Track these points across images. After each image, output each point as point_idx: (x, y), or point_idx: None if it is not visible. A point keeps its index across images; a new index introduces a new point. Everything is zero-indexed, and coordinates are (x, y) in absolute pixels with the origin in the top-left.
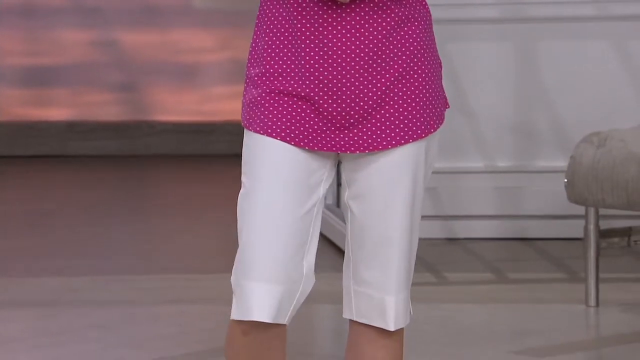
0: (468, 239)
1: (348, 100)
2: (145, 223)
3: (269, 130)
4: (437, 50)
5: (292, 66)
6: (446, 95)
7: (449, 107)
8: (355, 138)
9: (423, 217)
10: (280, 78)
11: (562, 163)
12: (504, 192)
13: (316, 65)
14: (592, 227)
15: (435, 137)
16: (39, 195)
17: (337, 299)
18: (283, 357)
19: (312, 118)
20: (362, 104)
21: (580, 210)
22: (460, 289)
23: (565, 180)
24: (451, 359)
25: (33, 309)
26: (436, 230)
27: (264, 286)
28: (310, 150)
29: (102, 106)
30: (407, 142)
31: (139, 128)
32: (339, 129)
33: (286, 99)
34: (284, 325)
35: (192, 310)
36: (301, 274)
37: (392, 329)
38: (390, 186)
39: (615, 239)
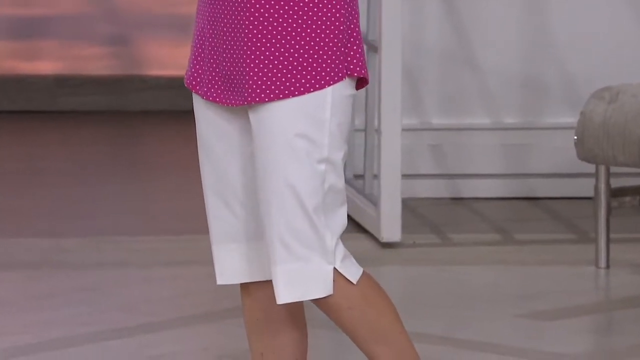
0: (473, 199)
1: (223, 55)
2: (138, 182)
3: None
4: (332, 7)
5: (200, 22)
6: (353, 59)
7: (355, 74)
8: (227, 92)
9: (427, 175)
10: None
11: (571, 119)
12: (510, 150)
13: (205, 22)
14: (602, 185)
15: (309, 102)
16: (27, 153)
17: None
18: (293, 322)
19: (204, 69)
20: (231, 58)
21: (590, 168)
22: (465, 250)
23: (575, 137)
24: (455, 323)
25: (21, 271)
26: (440, 189)
27: (222, 248)
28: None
29: (92, 60)
30: (263, 100)
31: (131, 83)
32: (221, 80)
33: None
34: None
35: (187, 273)
36: (259, 225)
37: (278, 302)
38: (258, 145)
39: (627, 198)
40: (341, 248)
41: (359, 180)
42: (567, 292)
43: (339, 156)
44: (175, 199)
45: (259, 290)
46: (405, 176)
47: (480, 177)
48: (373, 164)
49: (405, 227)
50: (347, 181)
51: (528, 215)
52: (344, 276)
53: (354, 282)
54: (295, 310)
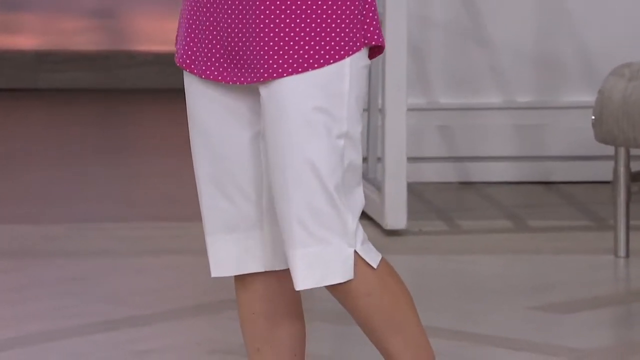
0: (484, 183)
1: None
2: (126, 165)
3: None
4: None
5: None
6: (369, 28)
7: (373, 42)
8: (233, 69)
9: (434, 158)
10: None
11: (589, 98)
12: (524, 131)
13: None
14: (622, 169)
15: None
16: (6, 134)
17: None
18: (291, 316)
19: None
20: (236, 33)
21: (609, 150)
22: (475, 238)
23: (593, 117)
24: (463, 316)
25: (1, 260)
26: (449, 173)
27: (217, 238)
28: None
29: (76, 34)
30: (271, 76)
31: (118, 59)
32: (223, 57)
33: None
34: (273, 276)
35: (179, 262)
36: (260, 213)
37: (297, 288)
38: (271, 123)
39: None
40: (361, 230)
41: (362, 163)
42: (583, 282)
43: (357, 131)
44: (166, 183)
45: (255, 281)
46: (410, 159)
47: (491, 159)
48: (377, 146)
49: (411, 214)
50: None
51: (542, 201)
52: (364, 260)
53: (375, 267)
54: (293, 302)
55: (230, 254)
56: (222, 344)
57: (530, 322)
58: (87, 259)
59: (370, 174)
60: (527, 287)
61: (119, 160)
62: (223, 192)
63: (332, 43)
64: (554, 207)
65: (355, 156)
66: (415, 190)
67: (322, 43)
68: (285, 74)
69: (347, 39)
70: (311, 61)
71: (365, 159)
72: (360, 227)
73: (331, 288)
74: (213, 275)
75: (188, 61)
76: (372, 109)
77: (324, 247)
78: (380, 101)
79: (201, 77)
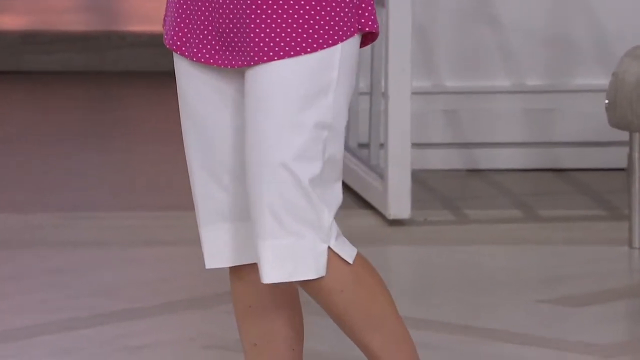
0: (492, 170)
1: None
2: (117, 151)
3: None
4: None
5: None
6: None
7: (367, 28)
8: (224, 52)
9: (439, 144)
10: None
11: (602, 81)
12: (534, 116)
13: None
14: (637, 155)
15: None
16: None
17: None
18: (287, 309)
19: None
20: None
21: (623, 135)
22: (482, 228)
23: (607, 101)
24: (470, 310)
25: None
26: (455, 160)
27: (211, 228)
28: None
29: (64, 13)
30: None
31: (108, 40)
32: (215, 40)
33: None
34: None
35: (172, 253)
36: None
37: (264, 281)
38: (252, 108)
39: None
40: (335, 225)
41: (364, 149)
42: (596, 275)
43: (342, 123)
44: (159, 170)
45: (251, 273)
46: (415, 145)
47: (500, 146)
48: (379, 131)
49: (416, 203)
50: (350, 150)
51: (553, 189)
52: (338, 255)
53: (350, 262)
54: (291, 295)
55: (225, 244)
56: (217, 339)
57: (540, 316)
58: (76, 250)
59: (373, 161)
60: (536, 280)
61: (109, 147)
62: (215, 179)
63: (326, 28)
64: (565, 195)
65: (336, 149)
66: (419, 178)
67: (315, 28)
68: (275, 58)
69: (341, 24)
70: (303, 46)
71: (367, 145)
72: (335, 222)
73: (303, 284)
74: (207, 266)
75: (179, 43)
76: (374, 93)
77: (296, 241)
78: (383, 84)
79: (192, 60)
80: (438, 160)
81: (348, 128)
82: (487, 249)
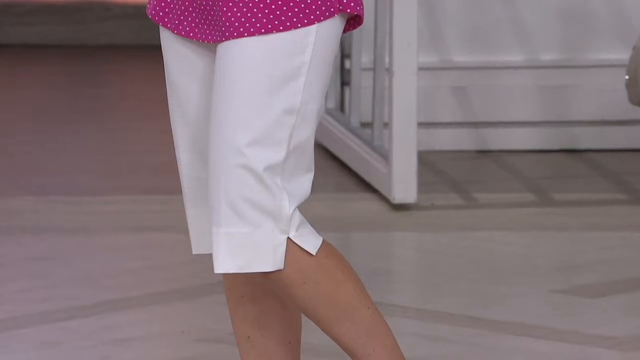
0: (504, 151)
1: None
2: (101, 131)
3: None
4: None
5: None
6: None
7: (348, 10)
8: (203, 26)
9: (448, 124)
10: None
11: (622, 55)
12: (549, 93)
13: None
14: None
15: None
16: None
17: (341, 225)
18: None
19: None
20: None
21: None
22: (494, 213)
23: (627, 76)
24: (480, 300)
25: None
26: (464, 140)
27: (199, 212)
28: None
29: None
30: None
31: (92, 11)
32: (195, 12)
33: None
34: None
35: (160, 240)
36: None
37: (216, 271)
38: (218, 87)
39: None
40: (297, 215)
41: (367, 129)
42: (615, 262)
43: (313, 108)
44: (146, 151)
45: None
46: (421, 125)
47: (512, 125)
48: (383, 110)
49: (422, 186)
50: (352, 130)
51: (569, 171)
52: (299, 247)
53: (313, 253)
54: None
55: (202, 229)
56: (210, 331)
57: (555, 307)
58: (57, 237)
59: (376, 142)
60: (551, 268)
61: (92, 126)
62: (202, 159)
63: (302, 6)
64: (581, 178)
65: (305, 137)
66: (426, 160)
67: (289, 5)
68: (245, 34)
69: (319, 2)
70: (275, 24)
71: (370, 125)
72: (297, 212)
73: (263, 277)
74: (194, 252)
75: (161, 13)
76: (378, 68)
77: (253, 230)
78: (387, 59)
79: (173, 33)
80: (446, 140)
81: (350, 106)
82: (498, 235)
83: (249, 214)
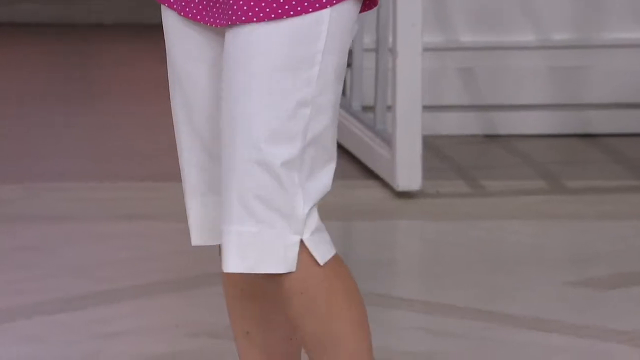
0: (513, 136)
1: None
2: (90, 114)
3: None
4: None
5: None
6: None
7: None
8: (213, 10)
9: (454, 107)
10: None
11: (638, 35)
12: (560, 74)
13: None
14: None
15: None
16: None
17: (343, 213)
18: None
19: None
20: None
21: None
22: (503, 201)
23: None
24: (489, 293)
25: None
26: (471, 124)
27: (199, 201)
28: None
29: None
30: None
31: None
32: None
33: None
34: None
35: (152, 229)
36: None
37: (224, 270)
38: (227, 76)
39: None
40: (315, 218)
41: (369, 113)
42: (630, 253)
43: (328, 99)
44: (139, 136)
45: None
46: (427, 108)
47: (522, 108)
48: (386, 92)
49: (427, 172)
50: (353, 114)
51: (583, 157)
52: (309, 252)
53: (320, 263)
54: None
55: (215, 219)
56: (205, 325)
57: (568, 299)
58: (44, 226)
59: (379, 126)
60: (564, 259)
61: (83, 109)
62: (204, 146)
63: None
64: (595, 164)
65: (322, 129)
66: (431, 145)
67: None
68: (254, 19)
69: None
70: (285, 8)
71: (372, 108)
72: (315, 215)
73: (264, 276)
74: (194, 243)
75: None
76: (381, 49)
77: (264, 229)
78: (391, 39)
79: (179, 15)
80: (452, 124)
81: (351, 89)
82: (507, 224)
83: (261, 212)
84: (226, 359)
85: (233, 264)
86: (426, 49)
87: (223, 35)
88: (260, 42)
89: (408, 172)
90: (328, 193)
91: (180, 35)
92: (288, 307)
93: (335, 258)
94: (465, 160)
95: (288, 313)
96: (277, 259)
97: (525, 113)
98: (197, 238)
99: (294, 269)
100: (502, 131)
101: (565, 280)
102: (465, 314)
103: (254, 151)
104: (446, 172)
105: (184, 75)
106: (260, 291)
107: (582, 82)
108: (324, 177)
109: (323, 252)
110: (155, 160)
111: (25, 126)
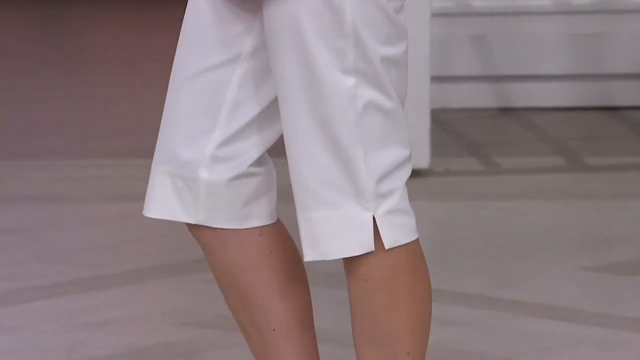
0: (529, 109)
1: None
2: (72, 86)
3: None
4: None
5: None
6: None
7: None
8: None
9: (465, 78)
10: None
11: None
12: (581, 42)
13: None
14: None
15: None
16: None
17: None
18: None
19: None
20: None
21: None
22: (517, 179)
23: None
24: (501, 278)
25: None
26: (484, 96)
27: (157, 168)
28: None
29: None
30: None
31: None
32: None
33: None
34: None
35: (139, 210)
36: (200, 154)
37: (304, 258)
38: (269, 53)
39: None
40: (394, 198)
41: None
42: None
43: (374, 63)
44: (124, 110)
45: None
46: (435, 79)
47: (539, 79)
48: None
49: (436, 149)
50: None
51: (603, 132)
52: (378, 232)
53: (385, 247)
54: (292, 257)
55: (159, 190)
56: (196, 314)
57: (586, 286)
58: (24, 207)
59: None
60: (582, 242)
61: (63, 80)
62: (203, 87)
63: None
64: (618, 139)
65: (376, 95)
66: (441, 119)
67: None
68: None
69: None
70: None
71: None
72: (397, 195)
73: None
74: (145, 213)
75: None
76: None
77: (330, 212)
78: None
79: None
80: (463, 97)
81: None
82: (521, 205)
83: (324, 194)
84: (217, 351)
85: (308, 253)
86: (435, 14)
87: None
88: (286, 11)
89: (415, 149)
90: (405, 169)
91: (205, 8)
92: (350, 292)
93: (409, 248)
94: (477, 136)
95: (350, 297)
96: (351, 241)
97: (542, 84)
98: (151, 209)
99: (373, 248)
100: (517, 104)
101: (583, 265)
102: (475, 302)
103: (307, 128)
104: (456, 148)
105: (192, 37)
106: (208, 243)
107: (604, 51)
108: (391, 150)
109: (395, 236)
110: (141, 135)
111: (2, 99)
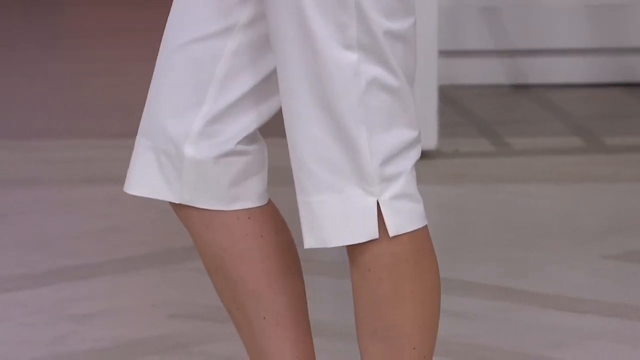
0: (544, 86)
1: None
2: (57, 60)
3: None
4: None
5: None
6: None
7: None
8: None
9: (475, 52)
10: None
11: None
12: (600, 13)
13: None
14: None
15: None
16: None
17: None
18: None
19: None
20: None
21: None
22: (531, 161)
23: None
24: (514, 267)
25: None
26: (496, 72)
27: (141, 142)
28: None
29: None
30: None
31: None
32: None
33: None
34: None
35: (127, 194)
36: (186, 129)
37: (304, 245)
38: (269, 29)
39: None
40: (400, 182)
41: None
42: None
43: (378, 37)
44: (110, 86)
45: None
46: (443, 53)
47: (555, 54)
48: None
49: (444, 129)
50: None
51: (625, 110)
52: (382, 218)
53: (390, 234)
54: (283, 239)
55: (141, 166)
56: (186, 305)
57: (606, 275)
58: (4, 190)
59: None
60: (601, 229)
61: (47, 55)
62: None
63: None
64: (639, 118)
65: (381, 72)
66: (449, 97)
67: None
68: None
69: None
70: None
71: None
72: (403, 179)
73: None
74: (126, 189)
75: None
76: None
77: (331, 197)
78: None
79: None
80: (474, 73)
81: None
82: (536, 188)
83: (326, 177)
84: (209, 344)
85: (308, 239)
86: None
87: None
88: None
89: (422, 129)
90: (412, 151)
91: None
92: (352, 280)
93: (417, 235)
94: (488, 115)
95: (352, 286)
96: (354, 227)
97: (558, 59)
98: (127, 184)
99: (377, 236)
100: (532, 80)
101: (602, 253)
102: (487, 293)
103: (308, 106)
104: (466, 128)
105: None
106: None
107: (624, 23)
108: (396, 131)
109: (400, 223)
110: (129, 114)
111: None
